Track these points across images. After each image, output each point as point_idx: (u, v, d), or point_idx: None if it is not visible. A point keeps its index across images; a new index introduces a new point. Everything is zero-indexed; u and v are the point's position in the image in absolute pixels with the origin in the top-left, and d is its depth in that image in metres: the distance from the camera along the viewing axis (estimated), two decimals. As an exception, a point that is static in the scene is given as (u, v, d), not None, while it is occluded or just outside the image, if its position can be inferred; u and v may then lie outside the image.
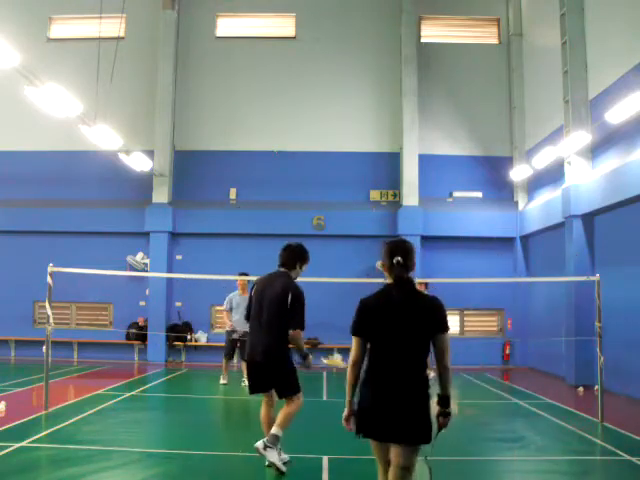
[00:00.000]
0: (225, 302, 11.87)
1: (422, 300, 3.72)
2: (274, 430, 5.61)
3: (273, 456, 5.56)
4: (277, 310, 5.66)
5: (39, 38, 16.89)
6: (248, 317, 5.94)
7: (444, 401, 3.70)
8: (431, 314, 3.65)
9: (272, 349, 5.66)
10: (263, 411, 5.87)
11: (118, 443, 6.78)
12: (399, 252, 3.79)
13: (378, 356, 3.65)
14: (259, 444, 5.59)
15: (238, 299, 11.55)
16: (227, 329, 11.93)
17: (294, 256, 5.90)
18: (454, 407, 3.91)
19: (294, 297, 5.66)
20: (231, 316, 11.67)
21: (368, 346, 3.71)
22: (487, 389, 12.13)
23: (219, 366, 12.35)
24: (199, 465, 6.05)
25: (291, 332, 5.61)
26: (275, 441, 5.58)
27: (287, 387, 5.75)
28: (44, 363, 8.47)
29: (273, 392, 5.84)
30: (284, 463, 5.65)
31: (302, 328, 5.68)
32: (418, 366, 3.66)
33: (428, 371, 3.83)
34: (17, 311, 16.06)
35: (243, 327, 10.04)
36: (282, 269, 5.89)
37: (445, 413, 3.68)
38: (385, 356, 3.62)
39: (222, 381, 11.81)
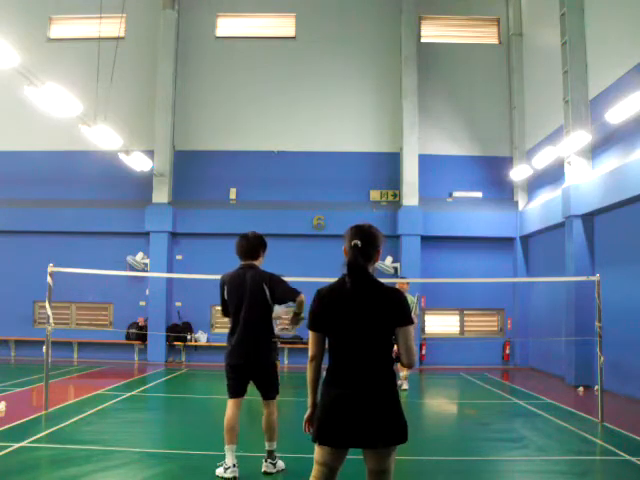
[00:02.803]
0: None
1: (379, 290, 3.32)
2: (270, 447, 5.65)
3: (280, 465, 5.72)
4: (257, 304, 5.44)
5: (39, 38, 16.90)
6: (226, 314, 5.66)
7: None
8: (389, 305, 3.27)
9: (259, 347, 5.47)
10: (234, 415, 5.48)
11: (118, 443, 6.78)
12: (359, 236, 3.38)
13: (337, 352, 3.32)
14: (267, 468, 5.63)
15: None
16: None
17: (256, 246, 5.66)
18: None
19: (272, 280, 5.47)
20: None
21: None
22: (487, 389, 12.13)
23: (219, 366, 12.34)
24: (199, 465, 6.05)
25: (298, 299, 5.39)
26: (274, 456, 5.70)
27: (273, 388, 5.62)
28: (44, 363, 8.47)
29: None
30: (281, 470, 5.72)
31: (299, 292, 5.45)
32: (381, 361, 3.28)
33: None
34: (17, 311, 16.07)
35: None
36: (247, 262, 5.60)
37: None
38: (343, 352, 3.29)
39: None
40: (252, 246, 5.64)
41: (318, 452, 3.31)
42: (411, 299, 11.15)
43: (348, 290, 3.30)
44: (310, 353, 3.39)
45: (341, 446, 3.25)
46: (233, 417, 5.48)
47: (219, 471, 5.51)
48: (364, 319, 3.26)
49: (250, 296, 5.44)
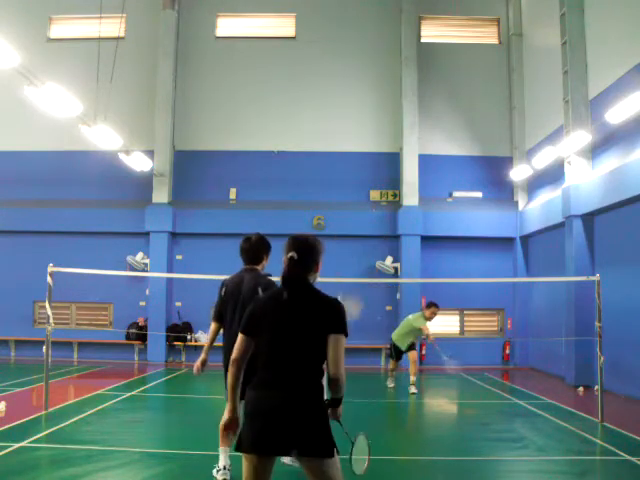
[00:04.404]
0: None
1: (316, 299, 3.33)
2: None
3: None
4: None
5: (39, 38, 16.90)
6: (218, 319, 5.53)
7: (335, 402, 3.30)
8: (323, 312, 3.26)
9: None
10: None
11: (118, 443, 6.79)
12: (295, 248, 3.38)
13: (266, 358, 3.29)
14: (288, 460, 5.56)
15: None
16: None
17: (258, 249, 5.47)
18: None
19: (268, 285, 5.26)
20: None
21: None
22: (487, 389, 12.13)
23: (219, 366, 12.33)
24: (199, 465, 6.05)
25: None
26: None
27: None
28: (44, 363, 8.47)
29: None
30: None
31: None
32: (309, 371, 3.23)
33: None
34: (17, 311, 16.07)
35: None
36: (249, 265, 5.45)
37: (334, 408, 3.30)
38: (273, 358, 3.26)
39: None
40: (254, 249, 5.48)
41: (244, 460, 3.26)
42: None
43: (284, 299, 3.32)
44: (235, 355, 3.35)
45: (261, 453, 3.18)
46: None
47: (214, 472, 5.53)
48: (297, 326, 3.26)
49: (244, 300, 5.27)
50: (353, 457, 3.39)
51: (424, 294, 15.49)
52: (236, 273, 5.54)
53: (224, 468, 5.43)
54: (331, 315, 3.27)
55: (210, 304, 16.12)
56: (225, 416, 3.45)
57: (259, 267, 5.49)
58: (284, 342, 3.26)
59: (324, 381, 3.29)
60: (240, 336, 3.37)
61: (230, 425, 3.41)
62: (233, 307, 5.36)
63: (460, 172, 16.73)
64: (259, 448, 3.17)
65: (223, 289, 5.49)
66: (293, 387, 3.19)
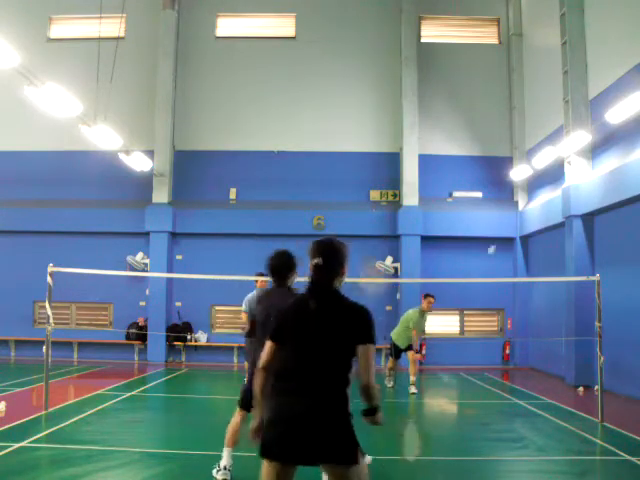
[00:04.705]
0: (244, 303, 11.69)
1: (344, 307, 3.27)
2: None
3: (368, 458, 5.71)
4: None
5: (39, 38, 16.90)
6: (250, 334, 5.49)
7: (372, 410, 3.21)
8: (353, 322, 3.21)
9: None
10: (240, 424, 5.49)
11: (118, 443, 6.79)
12: (320, 253, 3.30)
13: (293, 365, 3.24)
14: None
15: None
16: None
17: (289, 266, 5.17)
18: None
19: None
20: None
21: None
22: (487, 389, 12.13)
23: (219, 366, 12.35)
24: (199, 465, 6.05)
25: None
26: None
27: None
28: (44, 363, 8.46)
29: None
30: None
31: None
32: (336, 379, 3.19)
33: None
34: (17, 311, 16.07)
35: None
36: (282, 286, 5.11)
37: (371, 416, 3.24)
38: (300, 365, 3.21)
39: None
40: (285, 267, 5.12)
41: (264, 467, 3.19)
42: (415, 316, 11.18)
43: (311, 308, 3.26)
44: (263, 361, 3.32)
45: (285, 461, 3.13)
46: (240, 424, 5.46)
47: (214, 472, 5.53)
48: (325, 334, 3.21)
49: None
50: None
51: (424, 294, 15.47)
52: (273, 289, 5.25)
53: (224, 468, 5.43)
54: (360, 325, 3.22)
55: (210, 304, 16.31)
56: (253, 423, 3.37)
57: (289, 283, 5.25)
58: (311, 351, 3.21)
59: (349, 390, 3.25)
60: (268, 343, 3.33)
61: (257, 432, 3.31)
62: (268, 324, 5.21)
63: (460, 172, 16.73)
64: (283, 456, 3.12)
65: (262, 306, 5.19)
66: (318, 395, 3.14)
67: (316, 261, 3.28)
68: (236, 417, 5.54)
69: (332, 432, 3.11)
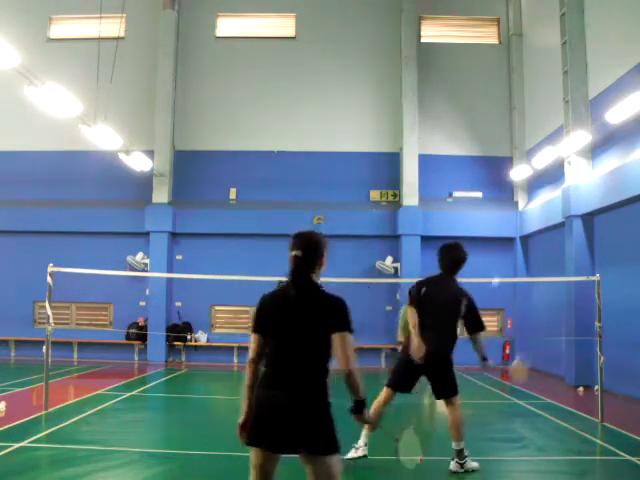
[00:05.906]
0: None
1: (321, 298, 3.37)
2: (456, 446, 5.84)
3: (472, 465, 5.85)
4: (452, 314, 6.35)
5: (39, 38, 16.90)
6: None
7: (358, 406, 3.28)
8: (328, 312, 3.30)
9: (442, 348, 6.09)
10: (385, 402, 5.97)
11: (118, 443, 6.79)
12: (299, 245, 3.40)
13: (274, 355, 3.33)
14: (452, 467, 5.79)
15: None
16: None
17: (455, 258, 6.72)
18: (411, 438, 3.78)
19: (469, 301, 6.58)
20: None
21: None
22: (487, 389, 12.13)
23: (219, 366, 12.34)
24: (199, 465, 6.05)
25: (481, 333, 6.33)
26: (462, 455, 5.82)
27: (448, 387, 6.02)
28: (44, 363, 8.46)
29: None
30: (471, 470, 5.82)
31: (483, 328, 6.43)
32: (315, 369, 3.29)
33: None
34: (17, 311, 16.07)
35: None
36: (444, 272, 6.60)
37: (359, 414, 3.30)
38: (281, 355, 3.31)
39: None
40: (451, 258, 6.86)
41: (251, 454, 3.31)
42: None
43: (290, 297, 3.35)
44: (250, 355, 3.40)
45: (268, 449, 3.22)
46: (383, 402, 5.93)
47: (350, 454, 5.73)
48: (303, 324, 3.30)
49: (448, 305, 6.72)
50: (403, 455, 3.65)
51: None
52: (436, 276, 6.67)
53: (365, 445, 5.85)
54: (335, 314, 3.30)
55: (210, 304, 16.30)
56: (240, 419, 3.41)
57: (454, 276, 6.59)
58: (289, 340, 3.30)
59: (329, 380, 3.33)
60: (253, 336, 3.42)
61: (244, 425, 3.36)
62: (432, 307, 6.44)
63: (460, 172, 16.72)
64: (265, 444, 3.22)
65: (422, 289, 6.48)
66: (298, 386, 3.23)
67: (295, 253, 3.38)
68: (383, 394, 6.04)
69: (313, 423, 3.19)
